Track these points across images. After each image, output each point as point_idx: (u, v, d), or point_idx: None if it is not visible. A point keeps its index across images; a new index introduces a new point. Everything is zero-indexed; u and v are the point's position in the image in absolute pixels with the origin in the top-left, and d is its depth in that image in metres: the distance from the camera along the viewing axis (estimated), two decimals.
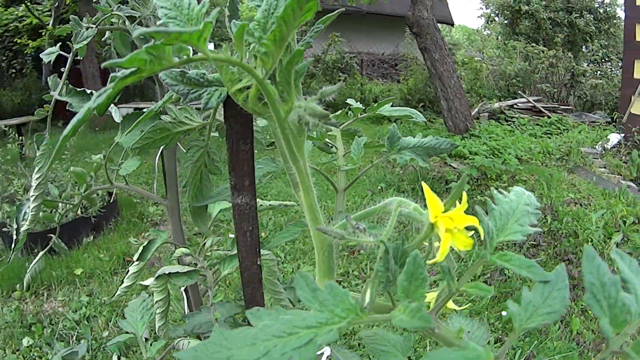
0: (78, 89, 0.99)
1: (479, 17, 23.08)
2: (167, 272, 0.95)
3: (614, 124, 8.83)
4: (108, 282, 3.56)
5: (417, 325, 0.37)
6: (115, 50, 1.31)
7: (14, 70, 11.36)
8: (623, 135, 7.61)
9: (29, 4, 10.61)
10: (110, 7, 1.13)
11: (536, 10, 14.80)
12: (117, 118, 0.88)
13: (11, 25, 11.24)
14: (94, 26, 1.11)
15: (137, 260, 1.13)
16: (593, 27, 14.93)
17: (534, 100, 9.59)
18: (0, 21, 11.04)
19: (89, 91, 0.95)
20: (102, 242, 4.19)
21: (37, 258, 1.32)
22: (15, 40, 11.16)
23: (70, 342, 2.95)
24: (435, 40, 6.38)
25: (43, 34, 10.58)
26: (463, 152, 5.79)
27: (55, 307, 3.30)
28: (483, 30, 18.43)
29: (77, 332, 3.00)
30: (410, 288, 0.40)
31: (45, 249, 1.32)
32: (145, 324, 0.77)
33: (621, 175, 6.30)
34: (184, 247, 1.05)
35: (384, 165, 6.04)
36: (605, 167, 6.56)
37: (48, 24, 10.50)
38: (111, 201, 4.35)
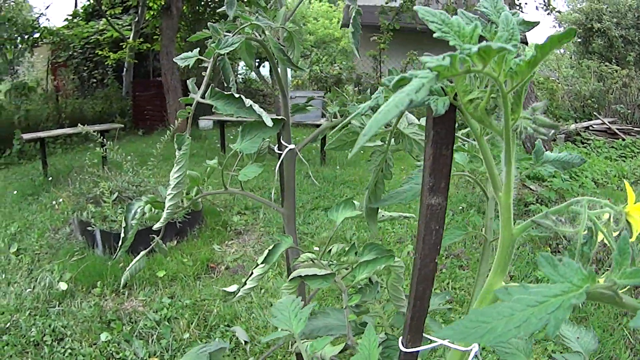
0: (225, 92, 1.03)
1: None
2: (302, 275, 0.98)
3: None
4: (191, 286, 3.59)
5: None
6: (227, 59, 1.36)
7: (94, 80, 11.97)
8: None
9: (109, 18, 11.23)
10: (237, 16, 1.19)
11: (608, 28, 14.31)
12: (269, 122, 0.94)
13: (92, 38, 11.89)
14: (231, 35, 1.17)
15: (262, 263, 1.17)
16: None
17: (608, 122, 9.25)
18: (81, 34, 11.64)
19: (237, 95, 1.00)
20: (186, 247, 4.26)
21: (139, 257, 1.38)
22: (96, 52, 11.80)
23: (150, 341, 2.99)
24: None
25: (124, 46, 11.13)
26: (541, 174, 5.65)
27: (135, 306, 3.36)
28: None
29: (157, 332, 3.04)
30: (620, 260, 0.50)
31: (148, 249, 1.38)
32: (301, 321, 0.80)
33: None
34: (309, 252, 1.08)
35: (464, 185, 5.99)
36: None
37: (128, 38, 11.07)
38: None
